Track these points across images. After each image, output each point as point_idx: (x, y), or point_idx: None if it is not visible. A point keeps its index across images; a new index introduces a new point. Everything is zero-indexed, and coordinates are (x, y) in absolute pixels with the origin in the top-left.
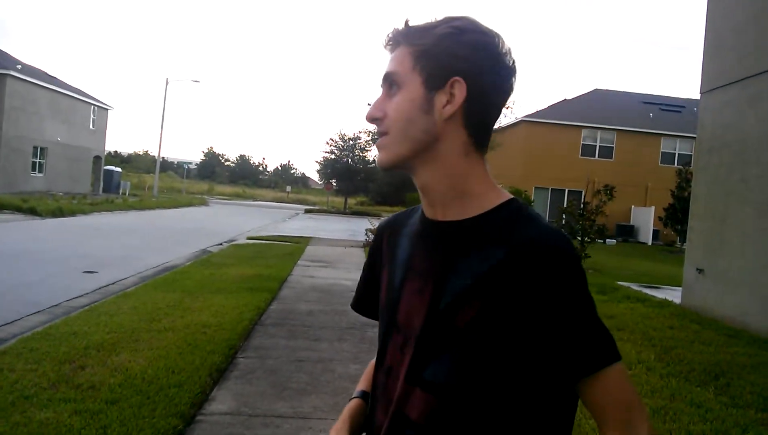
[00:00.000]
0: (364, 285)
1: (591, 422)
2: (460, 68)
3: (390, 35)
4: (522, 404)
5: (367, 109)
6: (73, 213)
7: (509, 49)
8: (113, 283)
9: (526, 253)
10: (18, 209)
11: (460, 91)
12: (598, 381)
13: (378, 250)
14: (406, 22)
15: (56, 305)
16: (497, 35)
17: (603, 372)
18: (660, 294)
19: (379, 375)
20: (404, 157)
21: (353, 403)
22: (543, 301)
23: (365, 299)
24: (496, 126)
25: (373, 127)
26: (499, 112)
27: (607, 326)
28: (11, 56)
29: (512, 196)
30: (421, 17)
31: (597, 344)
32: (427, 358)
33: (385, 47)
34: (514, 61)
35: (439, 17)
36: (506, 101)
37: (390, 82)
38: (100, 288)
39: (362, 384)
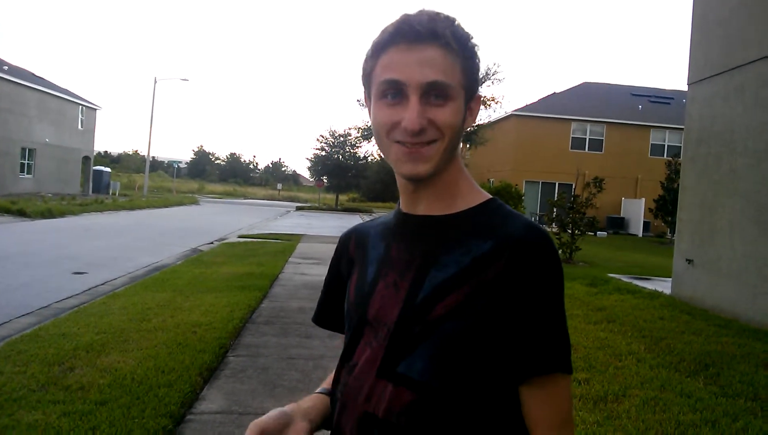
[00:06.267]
0: (327, 298)
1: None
2: (478, 85)
3: (426, 26)
4: (497, 398)
5: (406, 116)
6: (62, 214)
7: None
8: (103, 284)
9: (511, 246)
10: (7, 211)
11: (476, 106)
12: (542, 387)
13: (342, 258)
14: (438, 16)
15: (45, 307)
16: None
17: (551, 379)
18: (650, 285)
19: (343, 374)
20: (442, 167)
21: (312, 395)
22: (519, 294)
23: (328, 312)
24: (486, 120)
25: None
26: None
27: (597, 319)
28: None
29: (492, 196)
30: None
31: (555, 349)
32: (402, 351)
33: (408, 34)
34: None
35: (447, 14)
36: None
37: (439, 91)
38: (89, 289)
39: (325, 384)
